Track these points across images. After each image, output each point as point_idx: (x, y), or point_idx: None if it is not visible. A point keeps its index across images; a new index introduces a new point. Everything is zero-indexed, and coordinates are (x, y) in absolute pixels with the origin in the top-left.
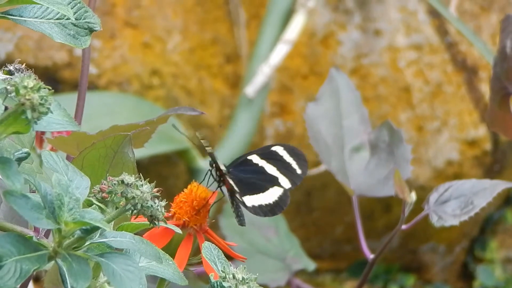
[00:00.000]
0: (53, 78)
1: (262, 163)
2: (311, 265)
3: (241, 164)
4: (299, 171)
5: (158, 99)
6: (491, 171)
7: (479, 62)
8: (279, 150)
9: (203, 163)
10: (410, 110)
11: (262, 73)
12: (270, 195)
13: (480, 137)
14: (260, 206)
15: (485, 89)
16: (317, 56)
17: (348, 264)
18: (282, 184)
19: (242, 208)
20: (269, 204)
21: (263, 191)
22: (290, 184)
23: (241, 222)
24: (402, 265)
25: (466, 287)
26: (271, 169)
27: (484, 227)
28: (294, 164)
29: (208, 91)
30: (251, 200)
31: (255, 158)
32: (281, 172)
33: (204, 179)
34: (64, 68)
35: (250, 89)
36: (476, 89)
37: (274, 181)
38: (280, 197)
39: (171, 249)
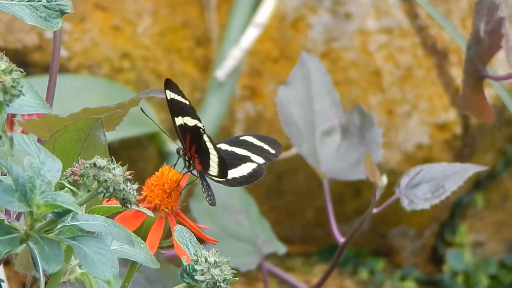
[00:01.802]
0: (23, 61)
1: (232, 148)
2: (281, 249)
3: None
4: (272, 151)
5: (128, 82)
6: (461, 155)
7: (449, 45)
8: (248, 138)
9: (174, 146)
10: (380, 94)
11: (233, 56)
12: (243, 169)
13: (450, 121)
14: (234, 178)
15: (455, 73)
16: (287, 39)
17: (318, 248)
18: (255, 160)
19: (213, 188)
20: (244, 175)
21: (235, 167)
22: (264, 159)
23: (212, 201)
24: (372, 249)
25: (435, 271)
26: (242, 151)
27: (454, 211)
28: (266, 147)
29: (178, 75)
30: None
31: (224, 146)
32: (253, 152)
33: (176, 164)
34: (34, 51)
35: (221, 73)
36: (446, 73)
37: (246, 159)
38: (254, 169)
39: (142, 232)
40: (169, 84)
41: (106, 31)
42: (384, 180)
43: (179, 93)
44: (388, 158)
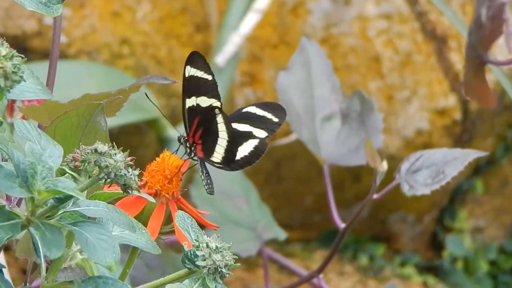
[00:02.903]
0: (22, 47)
1: (233, 126)
2: (282, 235)
3: None
4: (275, 119)
5: (128, 68)
6: (460, 140)
7: (449, 31)
8: (251, 109)
9: (173, 132)
10: (380, 80)
11: (232, 42)
12: (245, 149)
13: (449, 106)
14: (236, 161)
15: (455, 58)
16: (286, 25)
17: (318, 234)
18: (257, 135)
19: (212, 176)
20: (245, 156)
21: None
22: (267, 133)
23: (210, 190)
24: (371, 235)
25: (435, 257)
26: (243, 127)
27: (454, 196)
28: (269, 115)
29: (178, 60)
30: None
31: None
32: (255, 126)
33: (177, 151)
34: (33, 37)
35: (220, 59)
36: (446, 59)
37: (248, 136)
38: (256, 147)
39: (142, 218)
40: (193, 59)
41: (106, 17)
42: (384, 165)
43: (203, 67)
44: (387, 144)
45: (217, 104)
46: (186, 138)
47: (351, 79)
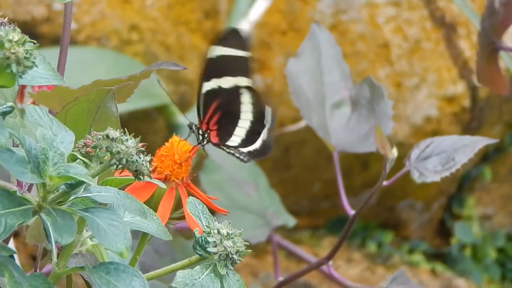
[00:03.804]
0: (32, 33)
1: None
2: (291, 221)
3: None
4: (243, 53)
5: (136, 54)
6: (469, 128)
7: (458, 18)
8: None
9: (183, 119)
10: (388, 67)
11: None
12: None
13: (458, 93)
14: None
15: (463, 45)
16: (295, 12)
17: (326, 221)
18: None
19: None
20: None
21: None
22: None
23: (247, 158)
24: (379, 222)
25: (443, 244)
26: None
27: (462, 184)
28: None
29: (187, 47)
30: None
31: None
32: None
33: (187, 137)
34: (42, 23)
35: None
36: (454, 46)
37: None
38: (264, 142)
39: (152, 203)
40: (228, 36)
41: (115, 3)
42: (394, 152)
43: (239, 43)
44: (396, 131)
45: (246, 82)
46: (198, 125)
47: (360, 66)
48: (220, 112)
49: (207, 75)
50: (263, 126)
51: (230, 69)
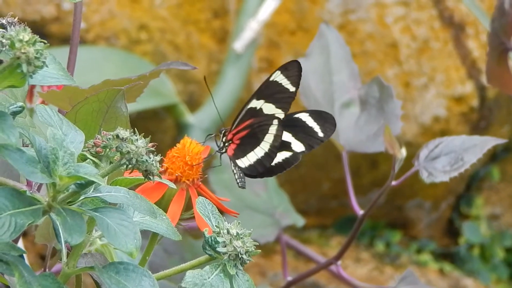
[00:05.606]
0: (41, 33)
1: None
2: (300, 221)
3: None
4: (320, 134)
5: (145, 54)
6: (477, 127)
7: (466, 18)
8: (303, 116)
9: (191, 118)
10: (397, 66)
11: (250, 28)
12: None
13: (467, 93)
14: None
15: (472, 45)
16: (304, 12)
17: (334, 220)
18: (294, 148)
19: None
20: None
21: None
22: (304, 148)
23: (242, 184)
24: (388, 222)
25: (451, 244)
26: (284, 136)
27: (470, 183)
28: (316, 128)
29: (195, 46)
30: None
31: None
32: (297, 137)
33: (205, 142)
34: (51, 23)
35: (238, 45)
36: (463, 45)
37: (283, 146)
38: (286, 160)
39: (163, 204)
40: (289, 67)
41: (124, 2)
42: (403, 152)
43: (294, 78)
44: (404, 131)
45: (281, 115)
46: (227, 132)
47: (369, 66)
48: (249, 131)
49: (260, 94)
50: (270, 162)
51: (276, 97)
